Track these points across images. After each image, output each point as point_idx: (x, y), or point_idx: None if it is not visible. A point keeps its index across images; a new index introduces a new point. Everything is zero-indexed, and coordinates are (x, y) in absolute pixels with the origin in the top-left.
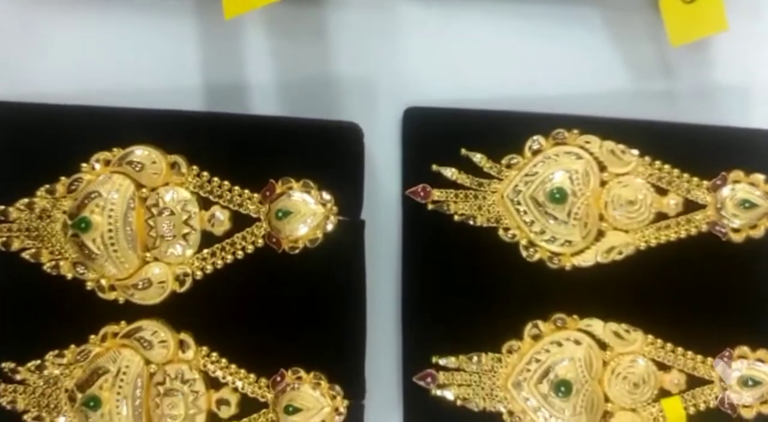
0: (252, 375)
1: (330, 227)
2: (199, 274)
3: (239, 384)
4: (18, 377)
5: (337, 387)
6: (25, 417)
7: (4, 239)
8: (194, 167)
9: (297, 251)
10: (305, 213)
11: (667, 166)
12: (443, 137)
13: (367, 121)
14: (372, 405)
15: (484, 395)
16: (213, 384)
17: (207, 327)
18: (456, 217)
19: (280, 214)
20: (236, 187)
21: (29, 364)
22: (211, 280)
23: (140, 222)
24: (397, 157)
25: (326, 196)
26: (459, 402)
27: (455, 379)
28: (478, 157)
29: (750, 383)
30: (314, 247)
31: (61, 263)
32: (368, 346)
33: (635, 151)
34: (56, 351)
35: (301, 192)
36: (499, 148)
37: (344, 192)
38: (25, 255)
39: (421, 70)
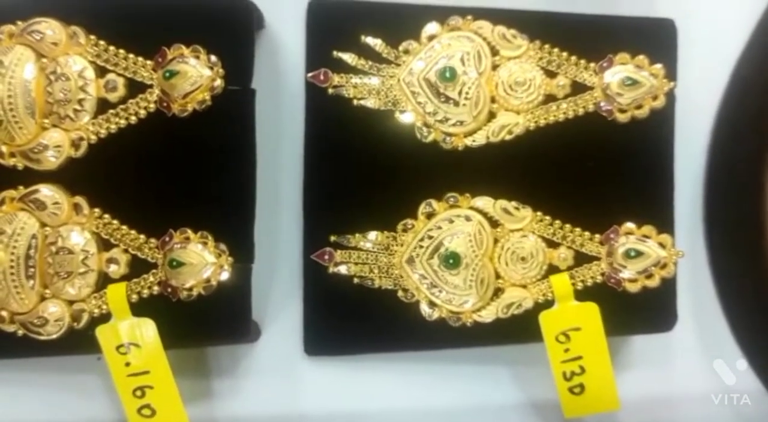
0: (142, 237)
1: (217, 89)
2: (93, 139)
3: (130, 245)
4: None
5: (222, 246)
6: None
7: None
8: (92, 37)
9: (186, 114)
10: (192, 74)
11: (556, 50)
12: (345, 27)
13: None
14: (277, 284)
15: (380, 273)
16: (106, 246)
17: (101, 190)
18: (355, 101)
19: (167, 75)
20: (131, 55)
21: None
22: (105, 145)
23: (39, 90)
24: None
25: (213, 58)
26: (356, 281)
27: (352, 257)
28: (376, 43)
29: (632, 254)
30: (203, 111)
31: None
32: (275, 226)
33: (526, 36)
34: None
35: (190, 56)
36: (398, 36)
37: (234, 62)
38: None
39: None
